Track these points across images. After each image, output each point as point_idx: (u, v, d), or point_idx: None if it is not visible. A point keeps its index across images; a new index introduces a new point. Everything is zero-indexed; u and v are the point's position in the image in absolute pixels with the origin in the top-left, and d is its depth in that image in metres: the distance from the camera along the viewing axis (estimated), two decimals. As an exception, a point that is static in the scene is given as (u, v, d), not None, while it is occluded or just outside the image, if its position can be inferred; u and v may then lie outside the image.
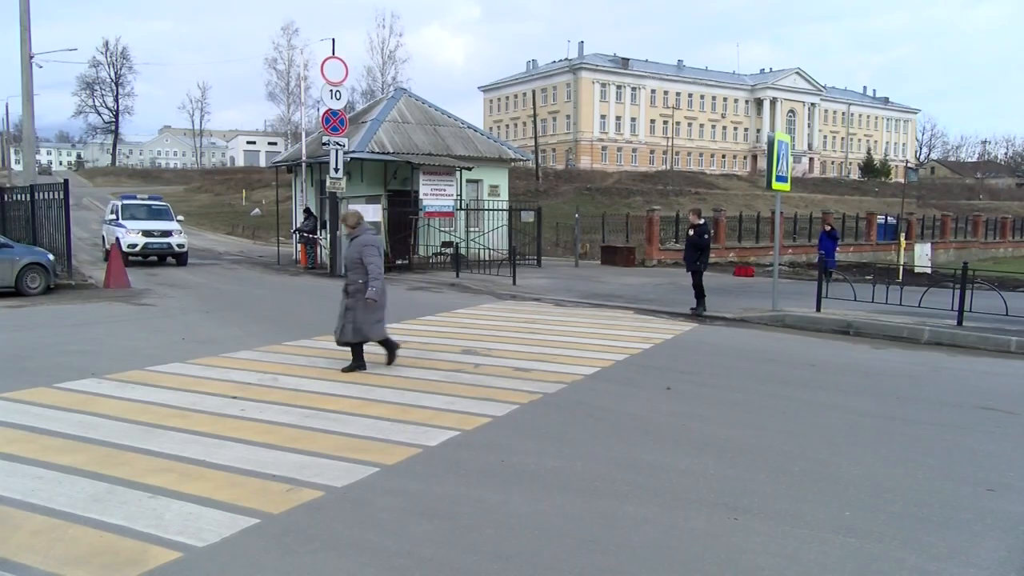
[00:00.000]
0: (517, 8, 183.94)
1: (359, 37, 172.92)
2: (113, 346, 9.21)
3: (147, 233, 20.85)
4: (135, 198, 23.00)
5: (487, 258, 21.17)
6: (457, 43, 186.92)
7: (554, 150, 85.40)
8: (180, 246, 21.40)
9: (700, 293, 12.94)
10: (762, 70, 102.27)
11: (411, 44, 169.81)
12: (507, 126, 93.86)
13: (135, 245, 20.54)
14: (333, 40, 20.30)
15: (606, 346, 9.59)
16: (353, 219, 8.18)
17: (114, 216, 21.62)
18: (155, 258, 21.95)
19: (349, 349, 7.98)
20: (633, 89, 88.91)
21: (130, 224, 20.91)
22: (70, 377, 7.31)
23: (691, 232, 13.13)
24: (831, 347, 10.16)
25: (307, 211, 22.29)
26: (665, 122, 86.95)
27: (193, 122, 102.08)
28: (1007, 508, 4.45)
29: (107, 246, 20.57)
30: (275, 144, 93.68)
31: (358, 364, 7.90)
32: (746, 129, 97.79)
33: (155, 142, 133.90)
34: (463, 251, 21.25)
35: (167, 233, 21.22)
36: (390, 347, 8.16)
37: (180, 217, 23.26)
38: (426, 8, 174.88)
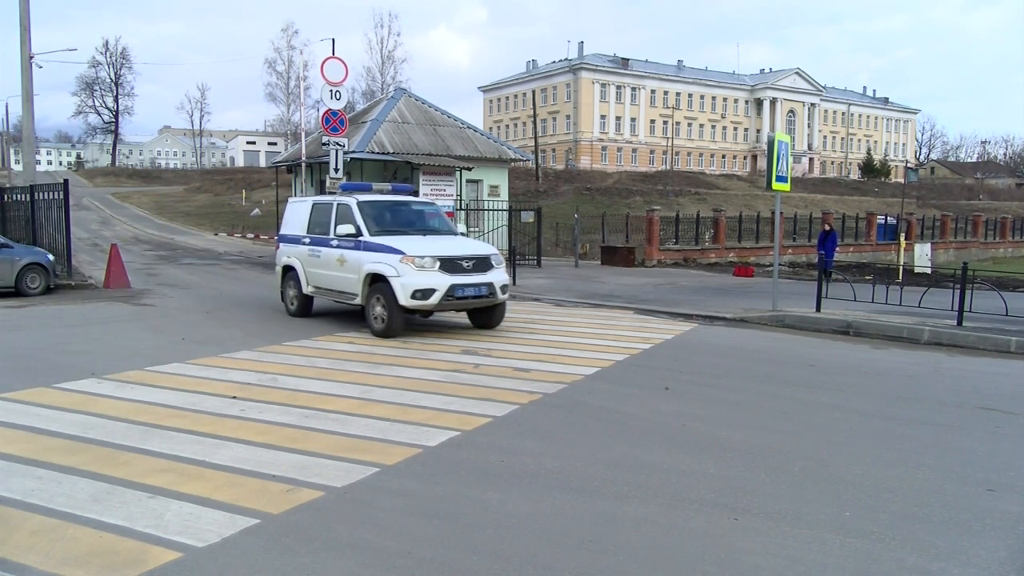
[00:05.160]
0: (523, 11, 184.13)
1: (360, 39, 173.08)
2: (113, 346, 9.21)
3: (450, 265, 9.86)
4: (369, 189, 11.82)
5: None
6: (463, 45, 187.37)
7: (554, 150, 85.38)
8: (504, 288, 10.45)
9: None
10: (762, 70, 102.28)
11: (417, 46, 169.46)
12: (507, 126, 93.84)
13: (431, 292, 9.63)
14: (333, 40, 20.29)
15: (606, 346, 9.59)
16: None
17: (351, 230, 10.46)
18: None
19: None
20: (633, 89, 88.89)
21: (407, 245, 9.96)
22: (70, 377, 7.30)
23: None
24: (831, 347, 10.16)
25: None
26: (665, 122, 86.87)
27: (192, 122, 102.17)
28: (1007, 508, 4.45)
29: (307, 287, 11.46)
30: (275, 144, 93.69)
31: None
32: (746, 129, 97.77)
33: (155, 142, 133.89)
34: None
35: (483, 264, 10.21)
36: None
37: (462, 228, 12.43)
38: (433, 11, 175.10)
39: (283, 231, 12.52)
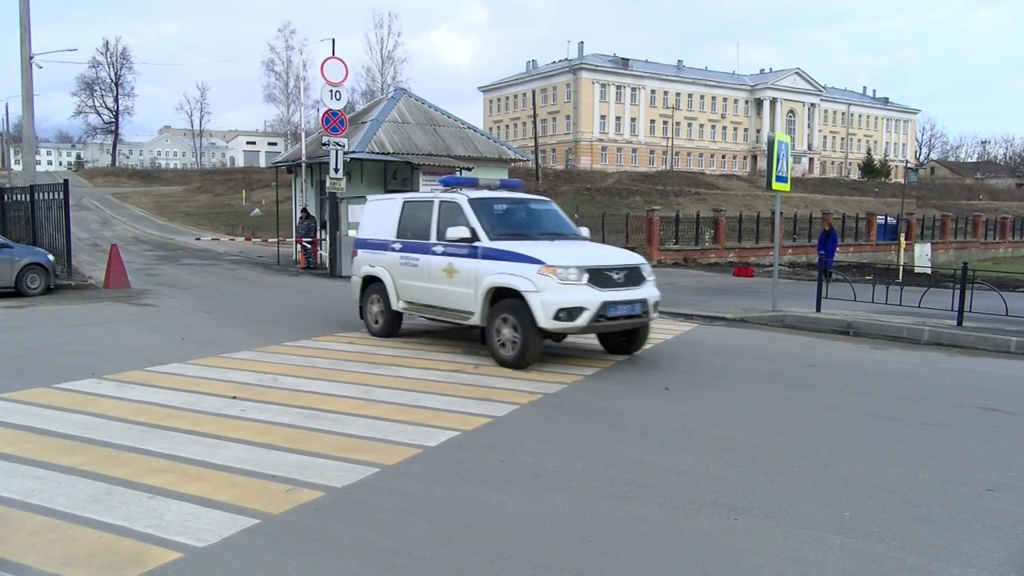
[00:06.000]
0: (523, 11, 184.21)
1: (360, 39, 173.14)
2: (113, 346, 9.20)
3: (599, 278, 7.98)
4: (475, 184, 9.80)
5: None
6: (463, 45, 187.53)
7: (554, 150, 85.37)
8: (656, 305, 8.66)
9: None
10: (762, 70, 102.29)
11: (418, 46, 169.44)
12: (507, 126, 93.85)
13: (579, 311, 7.74)
14: (333, 40, 20.36)
15: (606, 346, 9.57)
16: None
17: (465, 233, 8.63)
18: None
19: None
20: (633, 89, 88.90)
21: (543, 252, 8.07)
22: (70, 377, 7.30)
23: None
24: (831, 347, 10.16)
25: (304, 212, 22.30)
26: (665, 122, 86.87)
27: (192, 122, 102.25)
28: (1007, 508, 4.44)
29: (398, 302, 9.72)
30: (275, 144, 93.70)
31: None
32: (746, 129, 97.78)
33: (155, 142, 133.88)
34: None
35: (635, 276, 8.44)
36: None
37: (585, 231, 9.90)
38: (433, 11, 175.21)
39: (362, 234, 10.57)
